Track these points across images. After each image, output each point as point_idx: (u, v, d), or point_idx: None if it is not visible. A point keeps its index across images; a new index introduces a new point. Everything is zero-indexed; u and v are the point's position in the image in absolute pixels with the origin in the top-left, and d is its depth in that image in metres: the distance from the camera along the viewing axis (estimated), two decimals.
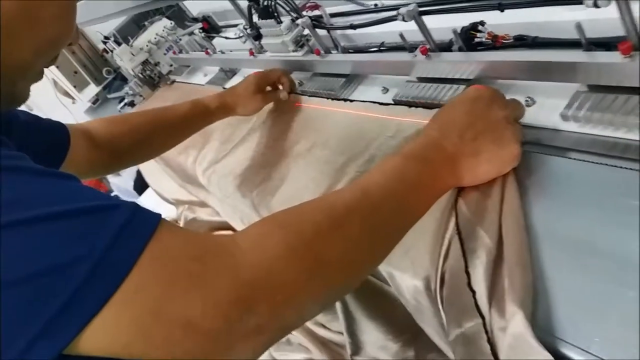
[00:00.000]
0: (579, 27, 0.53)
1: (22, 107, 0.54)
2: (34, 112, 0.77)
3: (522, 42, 0.65)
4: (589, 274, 0.45)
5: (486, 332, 0.45)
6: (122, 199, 0.39)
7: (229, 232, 1.17)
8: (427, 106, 0.74)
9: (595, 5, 0.48)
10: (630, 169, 0.50)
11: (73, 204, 0.36)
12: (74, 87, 2.16)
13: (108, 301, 0.33)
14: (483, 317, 0.46)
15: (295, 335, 1.05)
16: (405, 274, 0.58)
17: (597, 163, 0.52)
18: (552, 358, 0.40)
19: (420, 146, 0.54)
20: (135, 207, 0.38)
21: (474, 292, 0.48)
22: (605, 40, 0.55)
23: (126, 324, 0.34)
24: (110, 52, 1.89)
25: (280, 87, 1.02)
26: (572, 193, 0.52)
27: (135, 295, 0.34)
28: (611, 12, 0.49)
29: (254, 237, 0.42)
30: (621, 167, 0.50)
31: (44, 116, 0.77)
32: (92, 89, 2.20)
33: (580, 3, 0.50)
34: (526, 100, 0.63)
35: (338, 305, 0.83)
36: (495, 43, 0.67)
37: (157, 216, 0.38)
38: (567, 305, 0.44)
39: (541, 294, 0.46)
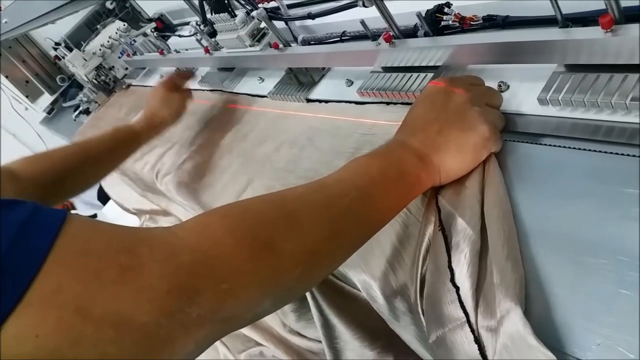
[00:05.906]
0: (554, 1, 0.48)
1: None
2: None
3: (492, 22, 0.60)
4: (584, 273, 0.40)
5: (472, 330, 0.42)
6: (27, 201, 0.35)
7: None
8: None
9: None
10: (616, 153, 0.46)
11: None
12: (27, 97, 2.05)
13: (20, 302, 0.29)
14: (467, 315, 0.43)
15: (269, 348, 0.99)
16: (378, 280, 0.55)
17: (579, 149, 0.49)
18: (554, 358, 0.36)
19: (385, 147, 0.54)
20: (34, 204, 0.34)
21: (457, 288, 0.44)
22: (582, 16, 0.50)
23: (51, 327, 0.30)
24: (62, 59, 1.79)
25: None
26: (554, 183, 0.48)
27: (56, 295, 0.31)
28: None
29: (193, 226, 0.40)
30: (606, 152, 0.47)
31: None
32: (47, 98, 2.10)
33: None
34: (499, 86, 0.59)
35: (313, 310, 0.78)
36: (463, 25, 0.63)
37: (62, 211, 0.35)
38: (560, 309, 0.40)
39: (531, 297, 0.42)
